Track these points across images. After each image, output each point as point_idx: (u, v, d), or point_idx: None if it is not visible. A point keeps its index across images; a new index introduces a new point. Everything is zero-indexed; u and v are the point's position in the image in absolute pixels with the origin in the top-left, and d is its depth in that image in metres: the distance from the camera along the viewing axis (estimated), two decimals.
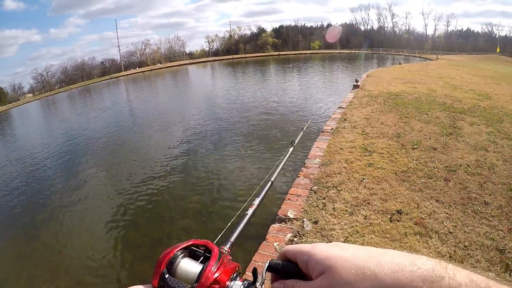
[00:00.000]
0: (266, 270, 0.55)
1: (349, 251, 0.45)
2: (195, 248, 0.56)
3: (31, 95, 68.56)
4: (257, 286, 0.52)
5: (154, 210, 6.12)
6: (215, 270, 0.50)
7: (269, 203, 5.41)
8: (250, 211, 0.94)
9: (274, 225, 3.57)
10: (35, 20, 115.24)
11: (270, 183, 1.26)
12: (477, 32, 79.00)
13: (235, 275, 0.54)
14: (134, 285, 0.49)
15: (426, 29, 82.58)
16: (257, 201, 1.01)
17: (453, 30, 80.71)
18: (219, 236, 0.90)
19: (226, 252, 0.64)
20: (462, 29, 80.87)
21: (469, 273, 0.37)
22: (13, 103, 54.92)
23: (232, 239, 0.79)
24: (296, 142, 2.03)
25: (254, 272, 0.55)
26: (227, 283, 0.51)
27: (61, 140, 13.79)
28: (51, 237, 5.79)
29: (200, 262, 0.53)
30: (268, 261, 0.55)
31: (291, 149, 1.96)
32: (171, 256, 0.52)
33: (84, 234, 5.77)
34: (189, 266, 0.52)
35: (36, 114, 31.07)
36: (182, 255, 0.53)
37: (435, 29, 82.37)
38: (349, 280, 0.41)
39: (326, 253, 0.47)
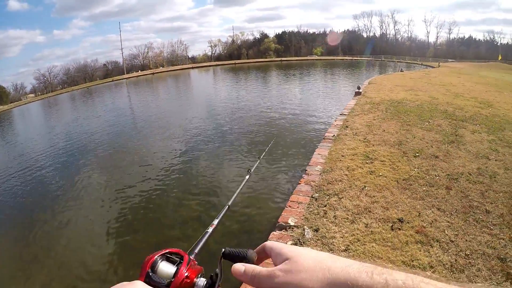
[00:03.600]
0: (221, 257, 0.69)
1: (313, 251, 0.54)
2: (169, 255, 0.71)
3: (33, 95, 68.66)
4: (217, 280, 0.67)
5: (153, 215, 6.08)
6: (185, 270, 0.66)
7: (270, 210, 5.41)
8: (210, 229, 1.13)
9: (274, 232, 3.56)
10: (39, 21, 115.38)
11: (227, 207, 1.42)
12: (479, 39, 79.04)
13: (200, 275, 0.69)
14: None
15: (428, 37, 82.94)
16: (215, 222, 1.19)
17: (455, 38, 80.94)
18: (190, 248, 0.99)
19: (194, 259, 0.77)
20: (464, 36, 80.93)
21: (406, 274, 0.43)
22: (15, 102, 55.10)
23: (197, 250, 0.95)
24: (252, 171, 2.06)
25: (215, 272, 0.69)
26: (195, 279, 0.67)
27: (61, 142, 13.79)
28: (48, 240, 5.77)
29: (175, 265, 0.68)
30: (223, 249, 0.69)
31: (247, 177, 2.01)
32: (153, 260, 0.67)
33: (81, 237, 5.74)
34: (166, 268, 0.67)
35: (37, 115, 31.15)
36: (161, 260, 0.68)
37: (437, 37, 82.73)
38: (307, 267, 0.50)
39: (293, 248, 0.56)
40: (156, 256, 0.68)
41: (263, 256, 0.65)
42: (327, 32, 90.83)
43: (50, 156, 11.48)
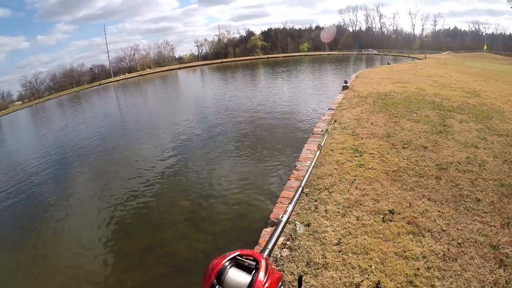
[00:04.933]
0: (299, 281, 0.64)
1: None
2: (240, 259, 0.57)
3: (20, 102, 67.42)
4: None
5: (145, 217, 6.01)
6: (264, 281, 0.51)
7: (262, 206, 5.39)
8: (284, 218, 0.99)
9: (266, 229, 3.52)
10: (22, 27, 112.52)
11: (301, 188, 1.30)
12: (464, 30, 79.72)
13: (280, 284, 0.56)
14: None
15: (413, 29, 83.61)
16: (290, 208, 1.05)
17: (440, 29, 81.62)
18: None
19: (270, 262, 0.62)
20: (449, 28, 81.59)
21: None
22: (2, 111, 54.10)
23: (270, 246, 0.78)
24: (322, 145, 2.11)
25: (299, 280, 0.62)
26: None
27: (51, 149, 13.53)
28: (40, 247, 5.65)
29: (247, 273, 0.54)
30: (301, 275, 0.62)
31: (318, 153, 2.10)
32: (219, 267, 0.54)
33: (74, 243, 5.63)
34: (238, 277, 0.53)
35: (25, 122, 30.61)
36: (229, 265, 0.55)
37: (423, 29, 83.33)
38: None
39: None
40: (223, 261, 0.55)
41: None
42: (313, 27, 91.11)
43: (40, 165, 11.19)
